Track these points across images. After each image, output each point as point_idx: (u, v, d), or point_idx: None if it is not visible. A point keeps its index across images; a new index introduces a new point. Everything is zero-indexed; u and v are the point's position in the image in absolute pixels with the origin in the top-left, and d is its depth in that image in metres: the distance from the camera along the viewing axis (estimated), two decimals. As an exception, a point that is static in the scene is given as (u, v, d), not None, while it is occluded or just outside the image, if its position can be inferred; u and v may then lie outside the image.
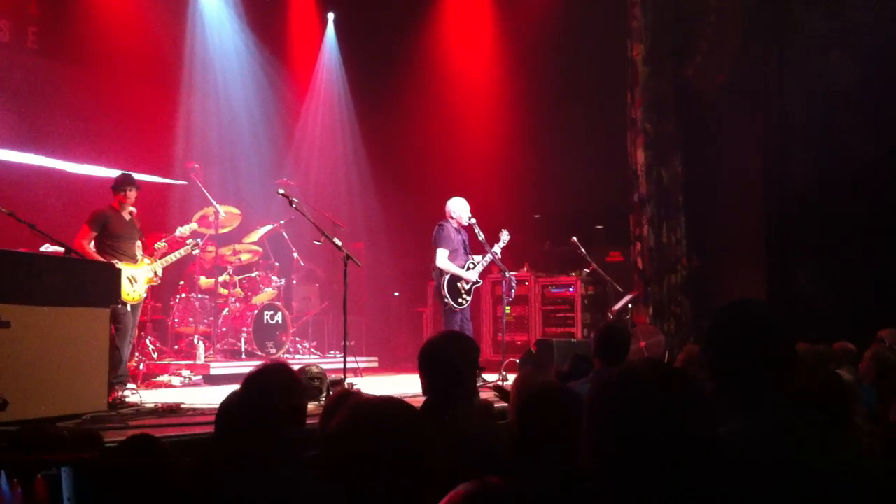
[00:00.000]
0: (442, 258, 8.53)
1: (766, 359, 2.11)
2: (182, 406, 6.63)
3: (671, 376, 1.68)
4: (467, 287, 8.51)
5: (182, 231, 8.66)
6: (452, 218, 8.64)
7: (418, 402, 3.31)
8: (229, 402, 3.29)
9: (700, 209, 11.18)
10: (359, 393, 4.29)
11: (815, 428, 2.04)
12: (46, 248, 7.28)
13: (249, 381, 2.99)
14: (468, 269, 8.58)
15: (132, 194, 7.80)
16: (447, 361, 3.24)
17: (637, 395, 1.62)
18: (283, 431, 2.87)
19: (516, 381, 3.96)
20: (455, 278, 8.49)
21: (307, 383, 6.65)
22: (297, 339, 11.01)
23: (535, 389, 2.96)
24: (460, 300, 8.48)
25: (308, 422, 3.44)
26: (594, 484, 1.64)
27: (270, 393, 2.90)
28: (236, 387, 3.63)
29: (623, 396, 1.63)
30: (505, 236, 8.76)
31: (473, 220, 8.58)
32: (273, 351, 10.01)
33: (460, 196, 8.82)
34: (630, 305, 10.16)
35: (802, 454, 1.92)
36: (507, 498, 1.64)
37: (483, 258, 8.64)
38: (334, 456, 2.27)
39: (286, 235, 10.97)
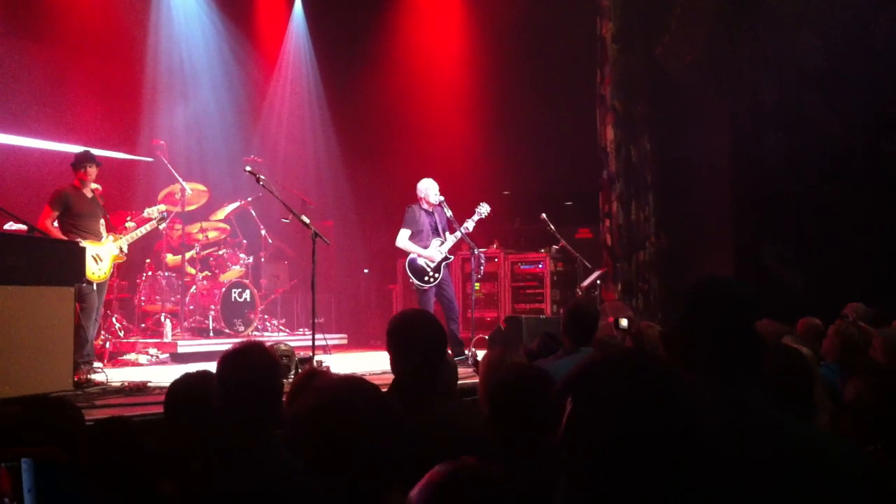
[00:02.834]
0: (400, 239, 8.64)
1: (744, 340, 2.08)
2: (149, 385, 6.59)
3: (654, 368, 1.64)
4: (432, 265, 8.53)
5: (150, 212, 8.55)
6: (421, 199, 8.67)
7: (388, 378, 3.32)
8: (185, 386, 3.26)
9: (669, 187, 11.24)
10: (326, 372, 4.29)
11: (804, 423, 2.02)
12: (10, 226, 7.18)
13: (227, 364, 2.94)
14: (433, 248, 8.59)
15: (92, 171, 7.69)
16: (412, 340, 3.24)
17: (620, 393, 1.59)
18: (265, 414, 2.84)
19: (485, 359, 3.98)
20: (417, 257, 8.54)
21: (276, 362, 6.63)
22: (266, 316, 10.97)
23: (503, 371, 2.97)
24: (426, 278, 8.52)
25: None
26: (576, 482, 1.62)
27: (252, 375, 2.86)
28: (203, 365, 3.61)
29: (610, 395, 1.60)
30: (483, 209, 8.76)
31: (441, 199, 8.60)
32: (241, 329, 9.97)
33: (430, 174, 8.86)
34: (599, 282, 10.21)
35: (798, 451, 1.90)
36: (486, 479, 1.64)
37: (452, 235, 8.67)
38: (300, 436, 2.26)
39: (254, 213, 10.90)
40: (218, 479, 2.70)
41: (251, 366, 2.90)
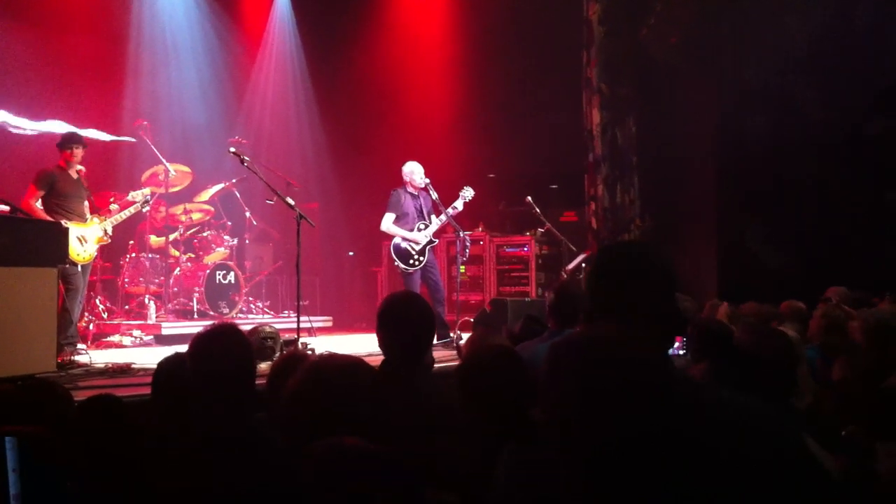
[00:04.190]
0: (385, 223, 8.64)
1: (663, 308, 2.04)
2: (133, 366, 6.57)
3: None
4: (417, 248, 8.53)
5: (135, 195, 8.45)
6: (406, 182, 8.66)
7: (372, 361, 3.32)
8: (173, 365, 3.25)
9: (654, 170, 11.26)
10: (310, 354, 4.30)
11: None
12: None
13: (197, 344, 2.95)
14: (418, 230, 8.59)
15: (79, 152, 7.63)
16: (403, 321, 3.26)
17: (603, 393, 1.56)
18: (240, 395, 2.84)
19: (469, 341, 4.00)
20: (402, 241, 8.53)
21: (260, 343, 6.62)
22: (251, 298, 10.94)
23: (474, 351, 2.98)
24: (412, 261, 8.52)
25: (262, 382, 3.43)
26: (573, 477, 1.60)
27: (220, 356, 2.87)
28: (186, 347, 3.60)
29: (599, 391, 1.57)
30: (467, 193, 8.76)
31: (427, 181, 8.59)
32: (226, 311, 9.94)
33: (415, 157, 8.85)
34: (584, 265, 10.22)
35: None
36: (361, 458, 1.64)
37: (438, 218, 8.67)
38: (294, 412, 2.26)
39: (238, 194, 10.85)
40: (210, 464, 2.70)
41: (224, 347, 2.91)
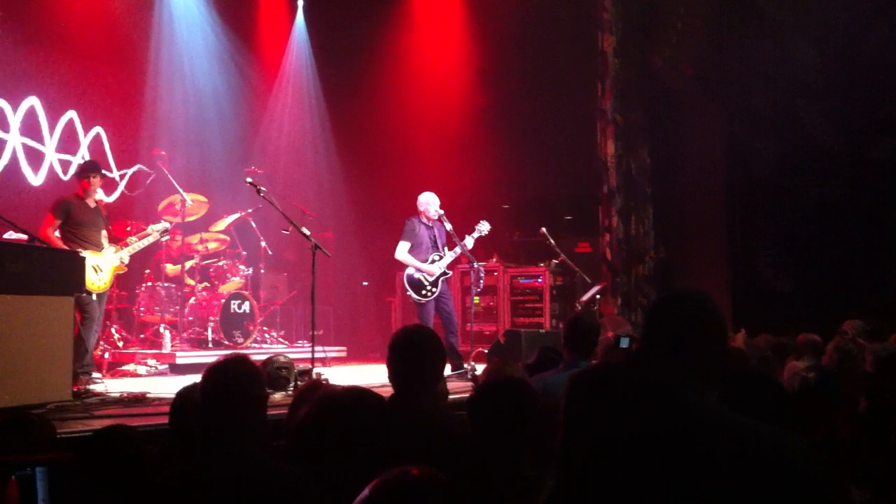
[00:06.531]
0: (399, 251, 8.67)
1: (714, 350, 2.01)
2: (148, 395, 6.58)
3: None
4: (430, 279, 8.54)
5: (153, 228, 8.48)
6: (421, 212, 8.70)
7: (386, 391, 3.33)
8: (188, 395, 3.26)
9: (666, 199, 11.27)
10: (327, 384, 4.31)
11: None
12: (10, 235, 7.18)
13: (209, 374, 2.97)
14: (432, 262, 8.61)
15: (96, 181, 7.67)
16: (409, 355, 3.29)
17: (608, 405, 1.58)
18: (246, 423, 2.85)
19: (484, 372, 4.00)
20: (415, 271, 8.55)
21: (274, 373, 6.63)
22: (265, 328, 10.95)
23: (487, 382, 2.99)
24: (424, 292, 8.53)
25: (277, 412, 3.44)
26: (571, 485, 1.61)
27: (230, 386, 2.88)
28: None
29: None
30: (483, 227, 8.79)
31: (441, 212, 8.62)
32: (240, 340, 9.96)
33: (429, 187, 8.90)
34: (598, 296, 10.21)
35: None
36: (426, 486, 1.65)
37: (451, 252, 8.69)
38: (304, 443, 2.28)
39: (254, 224, 10.90)
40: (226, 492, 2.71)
41: (234, 378, 2.92)
